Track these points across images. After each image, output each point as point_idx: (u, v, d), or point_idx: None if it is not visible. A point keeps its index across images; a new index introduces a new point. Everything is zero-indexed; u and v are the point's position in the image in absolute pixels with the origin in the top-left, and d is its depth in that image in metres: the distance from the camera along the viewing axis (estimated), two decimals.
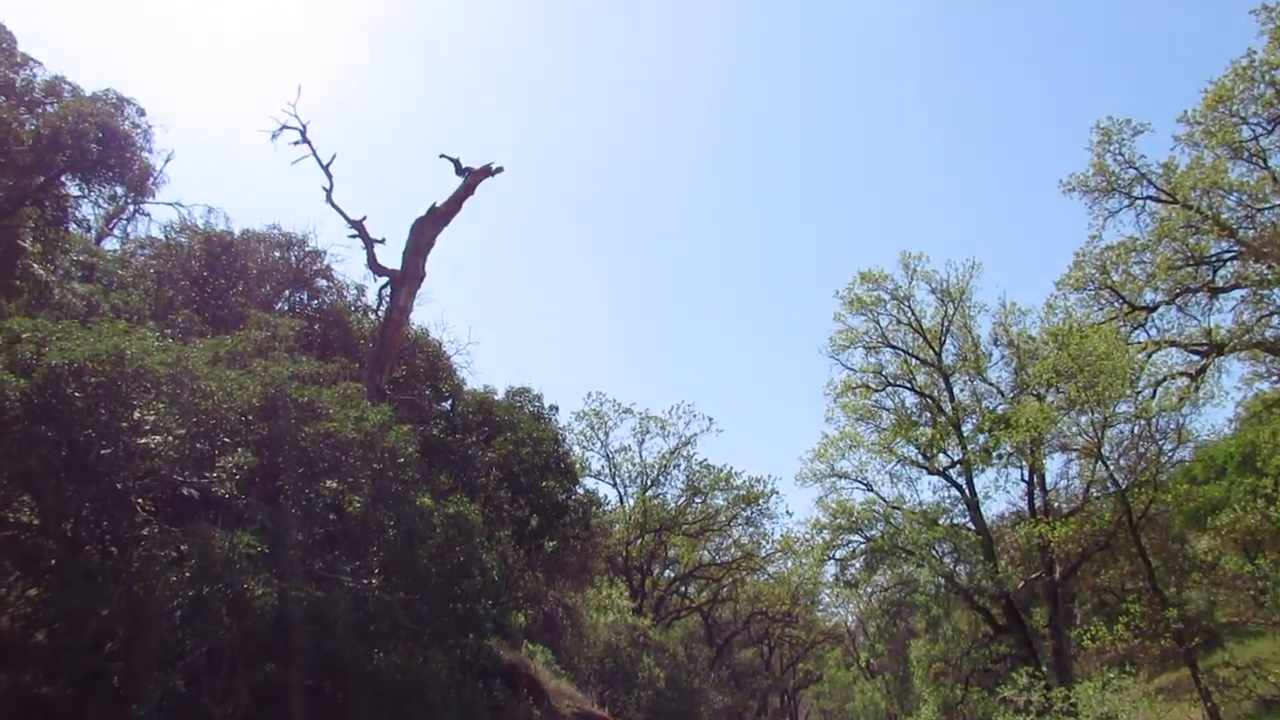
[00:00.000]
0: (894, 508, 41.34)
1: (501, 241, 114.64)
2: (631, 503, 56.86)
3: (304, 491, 19.49)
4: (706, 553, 60.11)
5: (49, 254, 25.85)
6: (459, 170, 30.86)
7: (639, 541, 54.77)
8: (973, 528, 40.64)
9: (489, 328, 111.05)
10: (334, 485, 19.61)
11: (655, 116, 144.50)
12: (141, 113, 26.16)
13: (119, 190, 28.00)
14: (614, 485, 57.95)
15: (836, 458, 42.52)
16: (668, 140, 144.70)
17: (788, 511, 59.47)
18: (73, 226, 28.22)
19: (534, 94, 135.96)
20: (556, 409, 35.66)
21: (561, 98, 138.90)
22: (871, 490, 42.11)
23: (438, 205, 30.20)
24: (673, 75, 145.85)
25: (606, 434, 57.53)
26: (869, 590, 47.13)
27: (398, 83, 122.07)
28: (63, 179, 25.20)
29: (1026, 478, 40.14)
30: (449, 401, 32.64)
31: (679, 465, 57.21)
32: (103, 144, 24.38)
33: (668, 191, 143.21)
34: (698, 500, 57.45)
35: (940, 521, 40.51)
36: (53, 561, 16.40)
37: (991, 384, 41.63)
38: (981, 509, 40.66)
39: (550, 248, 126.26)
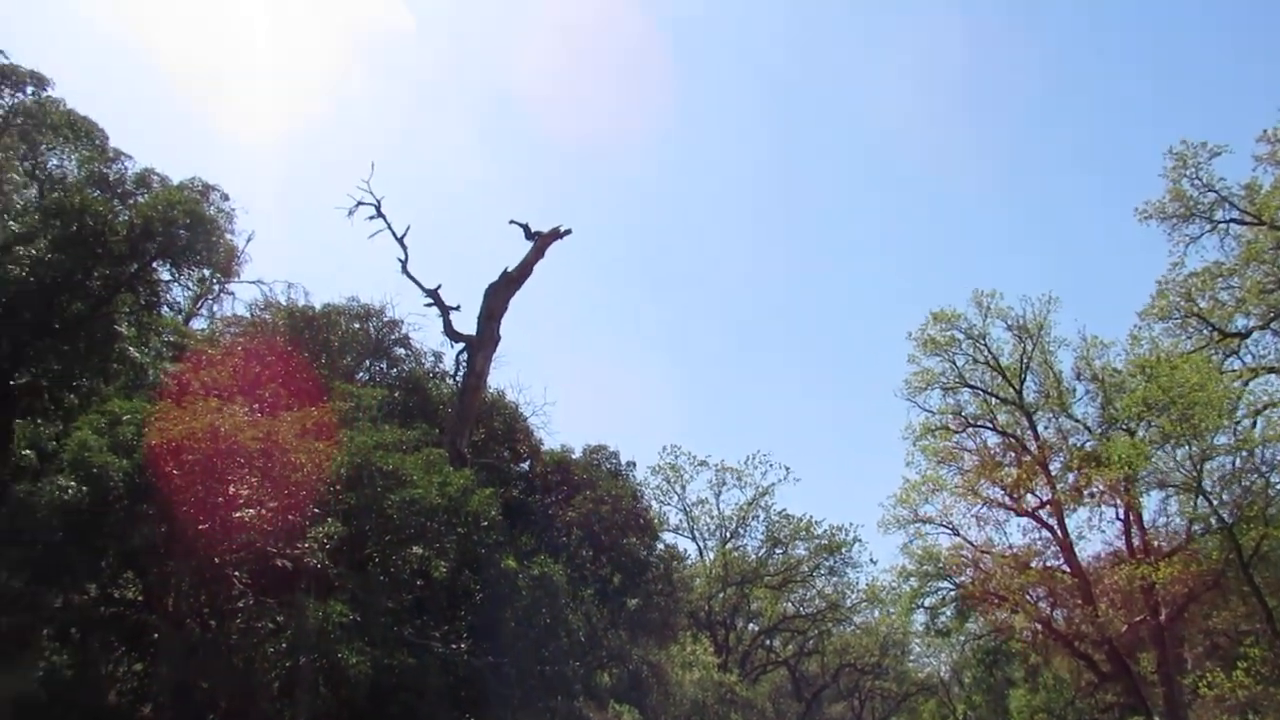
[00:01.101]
0: (983, 552, 40.14)
1: (572, 300, 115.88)
2: (711, 556, 56.29)
3: (391, 558, 19.85)
4: (790, 605, 59.04)
5: (143, 337, 26.93)
6: (528, 235, 31.53)
7: (721, 595, 54.09)
8: (1068, 570, 39.19)
9: (564, 386, 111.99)
10: (420, 551, 19.92)
11: (715, 166, 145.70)
12: (225, 197, 27.36)
13: (206, 272, 29.20)
14: (693, 539, 57.47)
15: (919, 502, 41.56)
16: (729, 188, 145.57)
17: (872, 560, 57.72)
18: (164, 309, 29.46)
19: (595, 153, 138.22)
20: (633, 465, 35.71)
21: (621, 154, 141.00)
22: (958, 535, 40.94)
23: (509, 270, 30.85)
24: (730, 125, 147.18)
25: (683, 487, 57.19)
26: (962, 639, 45.69)
27: (459, 148, 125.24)
28: (155, 265, 26.34)
29: (1122, 516, 38.62)
30: (527, 462, 32.92)
31: (758, 516, 56.52)
32: (191, 230, 25.42)
33: (730, 241, 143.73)
34: (778, 551, 56.60)
35: (1033, 565, 39.19)
36: (156, 636, 16.92)
37: (1077, 420, 40.41)
38: (1076, 550, 39.20)
39: (619, 304, 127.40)
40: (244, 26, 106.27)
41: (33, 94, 24.96)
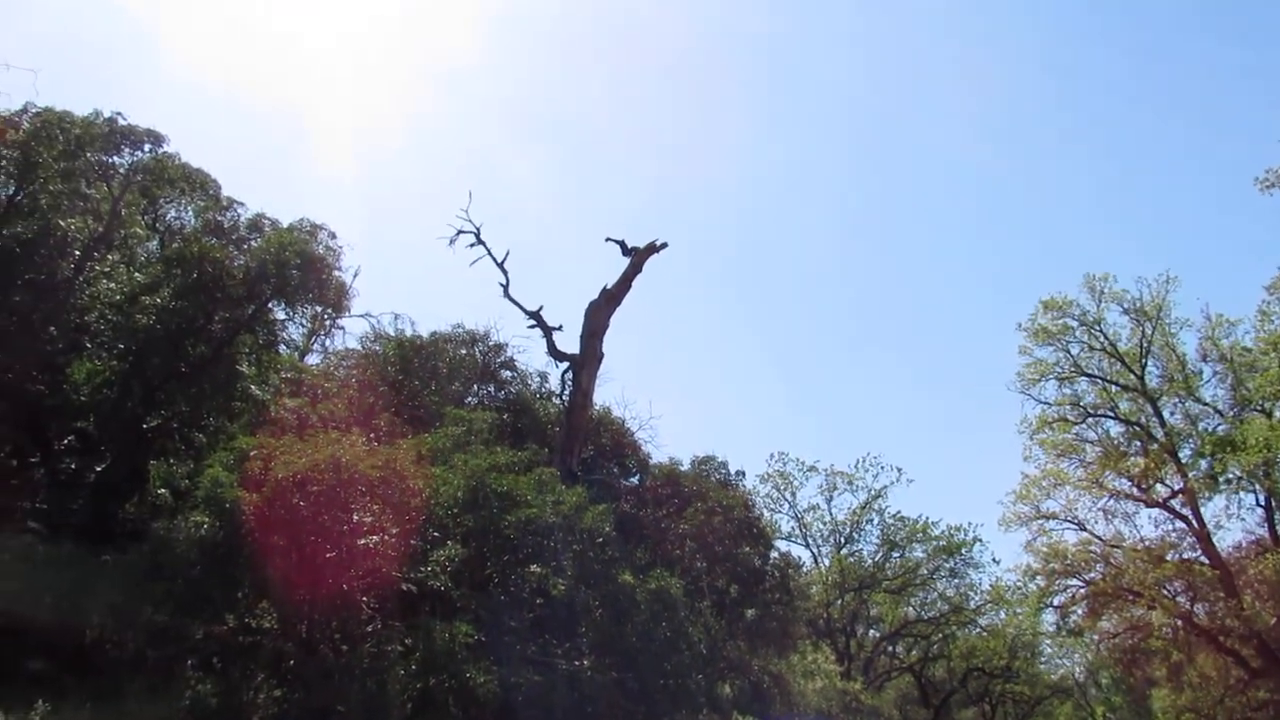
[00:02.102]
0: (1113, 546, 38.48)
1: (672, 313, 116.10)
2: (827, 563, 55.36)
3: (510, 578, 20.13)
4: (911, 609, 57.60)
5: (263, 375, 28.13)
6: (625, 251, 31.82)
7: (839, 602, 53.14)
8: (1207, 562, 37.25)
9: (669, 399, 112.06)
10: (538, 570, 20.14)
11: (805, 166, 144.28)
12: (333, 236, 28.51)
13: (318, 309, 30.35)
14: (806, 546, 56.61)
15: (1041, 498, 40.11)
16: (822, 188, 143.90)
17: (994, 559, 55.82)
18: (281, 347, 30.71)
19: (684, 164, 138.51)
20: (743, 474, 35.49)
21: (710, 163, 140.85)
22: (1085, 530, 39.34)
23: (609, 287, 31.17)
24: (819, 122, 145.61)
25: (793, 494, 56.45)
26: (1096, 638, 43.82)
27: (552, 170, 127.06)
28: (270, 305, 27.51)
29: (1263, 502, 36.58)
30: (637, 476, 33.08)
31: (871, 520, 55.36)
32: (302, 269, 26.54)
33: (826, 241, 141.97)
34: (895, 555, 55.29)
35: (1168, 558, 37.37)
36: (292, 663, 17.51)
37: (1206, 404, 38.41)
38: (1214, 540, 37.24)
39: (719, 313, 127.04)
40: (322, 68, 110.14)
41: (150, 151, 26.39)
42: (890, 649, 60.22)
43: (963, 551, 53.44)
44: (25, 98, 26.61)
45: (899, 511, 55.04)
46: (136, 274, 26.92)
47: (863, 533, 55.45)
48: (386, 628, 17.28)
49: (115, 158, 26.24)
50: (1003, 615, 54.72)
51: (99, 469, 26.27)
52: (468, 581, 19.25)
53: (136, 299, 26.07)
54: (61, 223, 24.86)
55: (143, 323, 25.58)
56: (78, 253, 25.27)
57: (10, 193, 24.72)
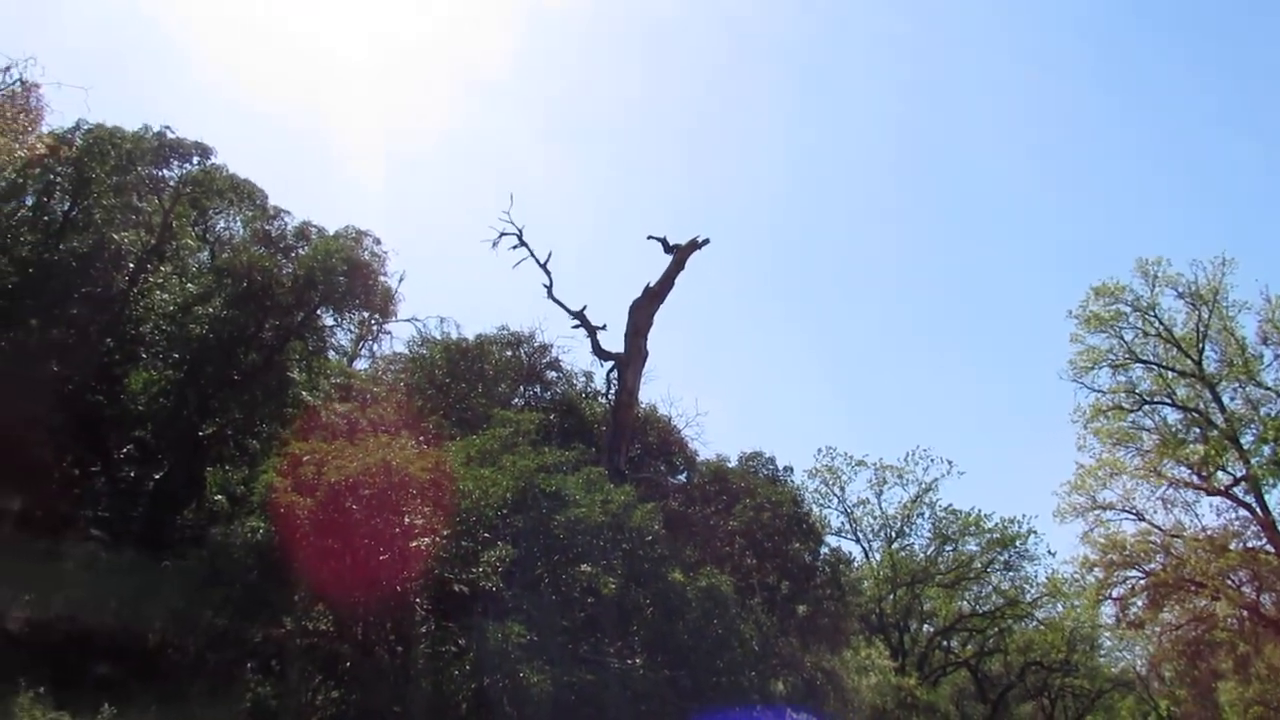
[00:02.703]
0: (1173, 536, 37.62)
1: (716, 309, 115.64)
2: (878, 557, 54.77)
3: (560, 578, 20.18)
4: (965, 603, 56.80)
5: (313, 381, 28.55)
6: (667, 248, 31.79)
7: (891, 597, 52.56)
8: (1272, 550, 36.30)
9: (715, 396, 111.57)
10: (588, 569, 20.18)
11: (850, 157, 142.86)
12: (378, 241, 28.87)
13: (365, 315, 30.73)
14: (856, 541, 56.05)
15: (1097, 488, 39.33)
16: (866, 177, 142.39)
17: (1050, 551, 54.63)
18: (330, 353, 31.16)
19: (725, 158, 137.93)
20: (790, 470, 35.31)
21: (751, 155, 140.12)
22: (1143, 520, 38.50)
23: (651, 285, 31.16)
24: (860, 110, 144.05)
25: (842, 489, 55.87)
26: (1157, 630, 42.88)
27: (590, 170, 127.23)
28: (319, 312, 27.92)
29: None
30: (684, 474, 33.06)
31: (922, 513, 54.64)
32: (349, 276, 26.93)
33: (868, 231, 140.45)
34: (948, 548, 54.55)
35: (1232, 547, 36.47)
36: (349, 664, 17.75)
37: (1269, 388, 37.33)
38: None
39: (762, 308, 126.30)
40: (354, 75, 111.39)
41: (198, 163, 26.88)
42: (945, 644, 59.47)
43: (1017, 544, 52.59)
44: (77, 115, 27.20)
45: (950, 504, 54.26)
46: (189, 284, 27.48)
47: (914, 526, 54.79)
48: (440, 628, 17.45)
49: (165, 171, 26.80)
50: (1060, 608, 53.79)
51: (157, 477, 26.86)
52: (519, 581, 19.33)
53: (189, 309, 26.62)
54: (115, 236, 25.44)
55: (196, 332, 26.12)
56: (132, 265, 25.83)
57: (66, 208, 25.34)
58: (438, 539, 17.88)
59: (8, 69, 23.12)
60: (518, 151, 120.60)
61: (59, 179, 25.07)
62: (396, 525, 17.52)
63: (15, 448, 23.34)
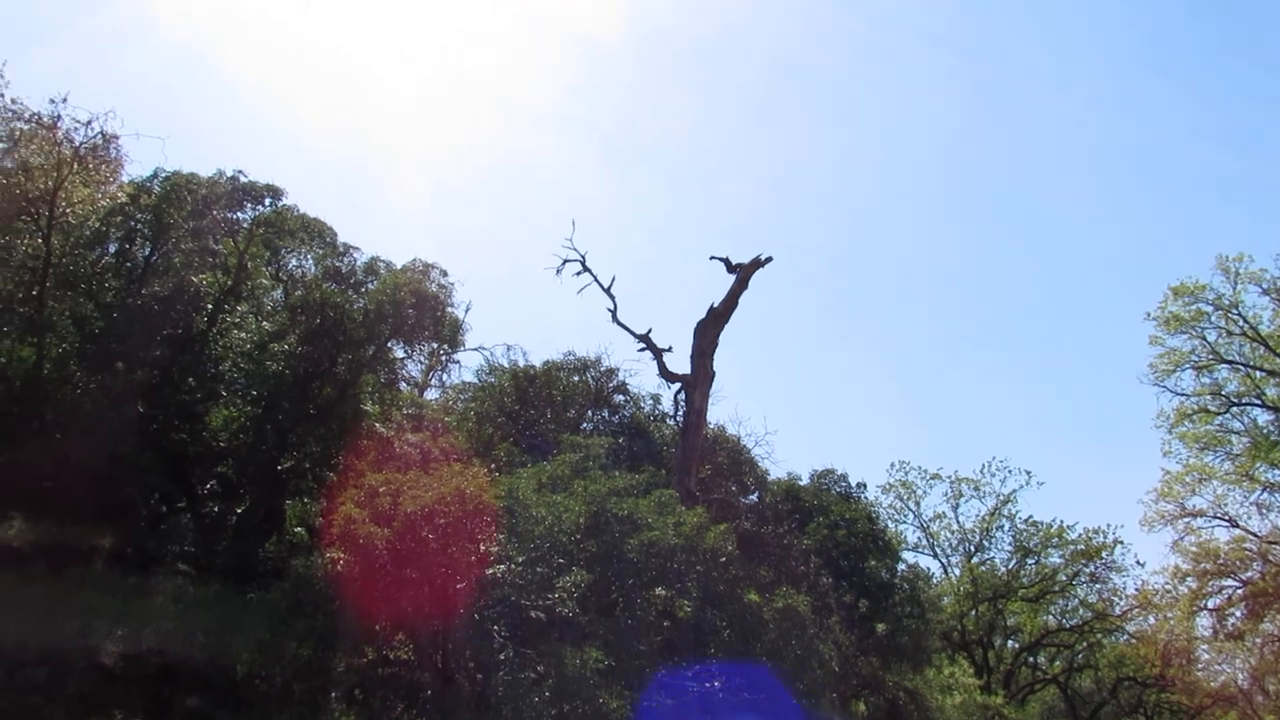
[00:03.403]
0: (1270, 543, 36.14)
1: (781, 326, 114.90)
2: (957, 573, 53.66)
3: (636, 601, 20.12)
4: (1051, 617, 55.24)
5: (386, 412, 29.10)
6: (730, 268, 31.73)
7: (973, 613, 51.39)
8: None
9: (783, 413, 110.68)
10: (663, 592, 20.12)
11: (906, 167, 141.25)
12: (444, 273, 29.41)
13: (434, 345, 31.25)
14: (934, 556, 55.01)
15: (1185, 495, 38.00)
16: (927, 183, 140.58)
17: (1138, 561, 53.11)
18: (401, 384, 31.73)
19: (784, 172, 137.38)
20: (864, 486, 34.88)
21: (815, 170, 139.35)
22: (1237, 526, 37.05)
23: (715, 306, 31.10)
24: (920, 111, 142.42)
25: (917, 504, 54.94)
26: (1258, 641, 41.21)
27: (645, 191, 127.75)
28: (389, 344, 28.47)
29: None
30: (756, 494, 32.87)
31: (1002, 526, 53.43)
32: (417, 308, 27.47)
33: (935, 239, 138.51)
34: (1030, 561, 53.19)
35: None
36: (429, 692, 17.91)
37: None
38: None
39: (828, 323, 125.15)
40: (407, 104, 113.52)
41: (270, 204, 27.67)
42: (1031, 660, 57.88)
43: (1103, 555, 51.06)
44: (155, 163, 28.22)
45: (1030, 516, 52.96)
46: (264, 323, 28.27)
47: (993, 540, 53.58)
48: (519, 655, 17.49)
49: (239, 213, 27.66)
50: (1152, 620, 51.93)
51: (239, 511, 27.54)
52: (594, 606, 19.36)
53: (266, 346, 27.38)
54: (194, 279, 26.30)
55: (273, 369, 26.84)
56: (210, 306, 26.63)
57: (146, 254, 26.28)
58: (513, 566, 18.01)
59: (89, 123, 24.04)
60: (574, 178, 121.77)
61: (139, 226, 26.03)
62: (472, 553, 17.67)
63: (106, 487, 24.21)
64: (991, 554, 53.70)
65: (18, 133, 23.79)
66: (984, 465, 54.06)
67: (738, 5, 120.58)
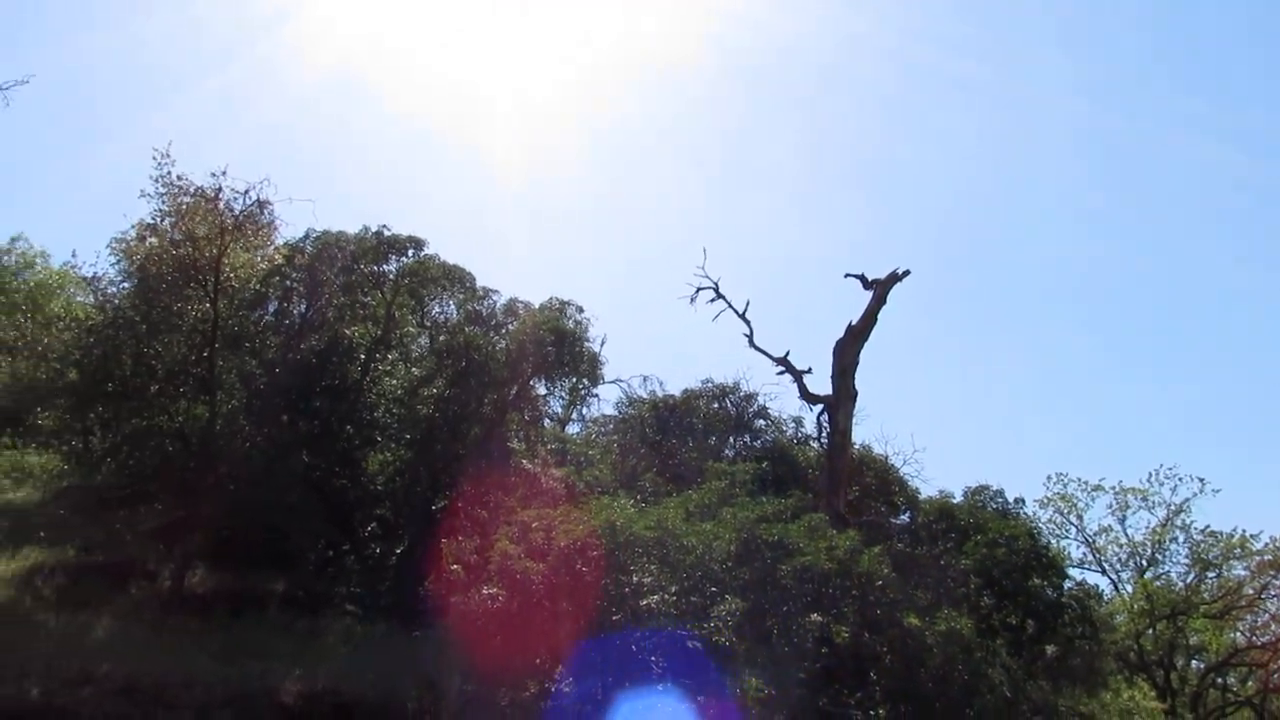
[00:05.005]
0: None
1: (922, 339, 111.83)
2: (1129, 589, 50.59)
3: (791, 628, 19.81)
4: (1240, 634, 51.45)
5: (531, 449, 29.78)
6: (866, 284, 31.18)
7: (1150, 632, 48.30)
8: None
9: (930, 430, 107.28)
10: (818, 618, 19.74)
11: (1047, 168, 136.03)
12: (580, 310, 30.01)
13: (573, 381, 31.84)
14: (1102, 572, 51.95)
15: None
16: (1063, 189, 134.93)
17: None
18: (545, 421, 32.44)
19: (908, 186, 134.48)
20: (1021, 501, 33.37)
21: (949, 176, 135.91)
22: None
23: (854, 323, 30.58)
24: (1061, 122, 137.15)
25: (1080, 517, 52.01)
26: None
27: (773, 214, 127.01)
28: (532, 383, 29.19)
29: None
30: (907, 514, 31.94)
31: (1175, 538, 50.12)
32: (557, 345, 28.11)
33: (1073, 246, 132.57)
34: (1211, 575, 49.62)
35: None
36: None
37: None
38: None
39: (970, 334, 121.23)
40: (522, 134, 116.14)
41: (412, 255, 28.82)
42: (1220, 680, 53.97)
43: None
44: (306, 224, 29.88)
45: (1208, 526, 49.46)
46: (413, 369, 29.45)
47: (1167, 553, 50.26)
48: (678, 686, 17.43)
49: (384, 266, 28.88)
50: None
51: (398, 552, 28.56)
52: (750, 634, 19.15)
53: (415, 392, 28.49)
54: (346, 331, 27.66)
55: (423, 413, 27.92)
56: (362, 356, 27.91)
57: (303, 310, 27.84)
58: (666, 596, 18.01)
59: (246, 192, 25.69)
60: (696, 204, 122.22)
61: (295, 284, 27.60)
62: (626, 585, 17.79)
63: (276, 534, 25.58)
64: (1166, 568, 50.39)
65: (183, 206, 25.58)
66: (1151, 474, 50.85)
67: (856, 16, 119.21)
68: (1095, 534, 52.04)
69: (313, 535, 27.07)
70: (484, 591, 19.30)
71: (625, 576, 17.85)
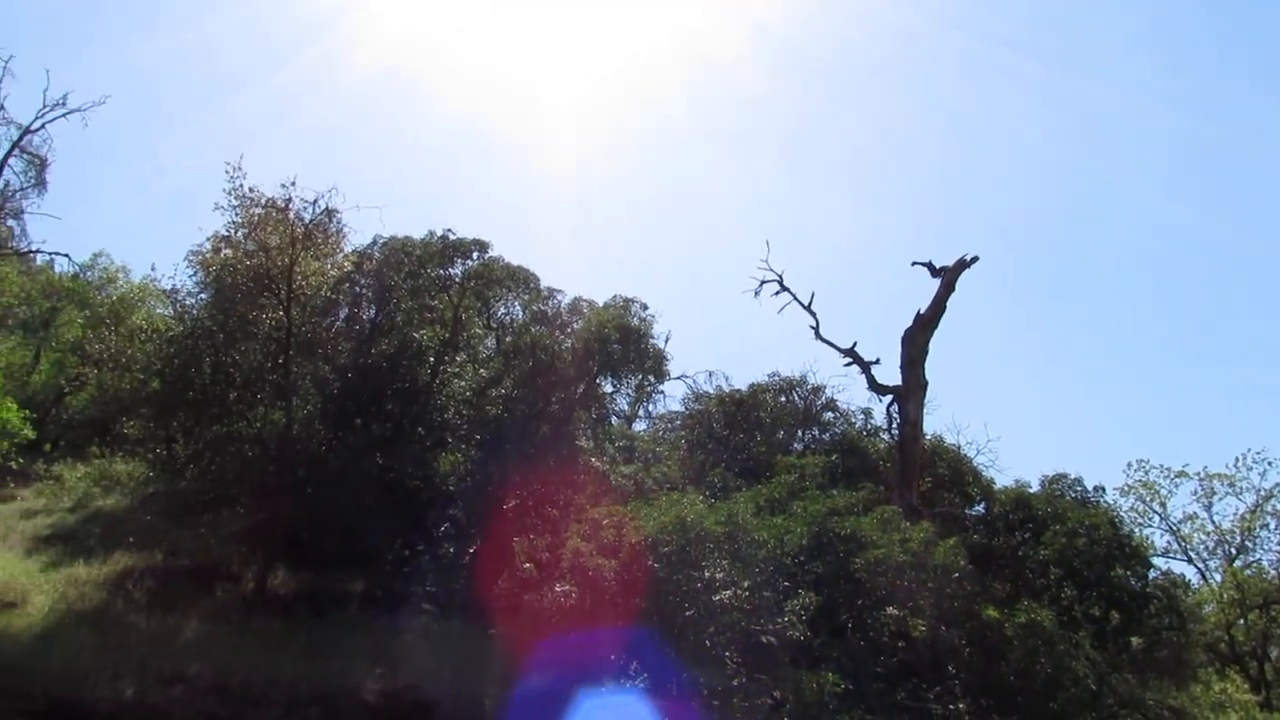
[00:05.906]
0: None
1: (994, 325, 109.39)
2: (1218, 578, 48.91)
3: (866, 622, 19.60)
4: None
5: (599, 447, 29.88)
6: (934, 272, 30.59)
7: (1242, 622, 46.68)
8: None
9: (1005, 418, 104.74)
10: (894, 611, 19.49)
11: (1115, 152, 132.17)
12: (644, 307, 30.04)
13: (639, 378, 31.85)
14: (1188, 561, 50.20)
15: None
16: (1130, 176, 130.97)
17: None
18: (612, 419, 32.53)
19: (975, 172, 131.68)
20: (1101, 490, 32.41)
21: (1019, 159, 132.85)
22: None
23: (922, 312, 30.01)
24: (1127, 104, 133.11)
25: (1163, 505, 50.40)
26: None
27: (837, 204, 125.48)
28: (598, 381, 29.29)
29: None
30: (982, 505, 31.26)
31: (1266, 524, 48.33)
32: (622, 343, 28.16)
33: (1146, 229, 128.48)
34: None
35: None
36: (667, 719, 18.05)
37: None
38: None
39: (1043, 318, 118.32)
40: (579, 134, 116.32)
41: (477, 258, 29.13)
42: None
43: None
44: (373, 230, 30.37)
45: None
46: (481, 370, 29.75)
47: (1258, 540, 48.39)
48: (753, 681, 17.36)
49: (450, 269, 29.23)
50: None
51: (471, 550, 28.91)
52: (825, 629, 18.99)
53: (484, 392, 28.78)
54: (415, 335, 28.06)
55: (492, 413, 28.18)
56: (431, 359, 28.29)
57: (372, 315, 28.33)
58: (739, 591, 17.93)
59: (315, 201, 26.19)
60: (756, 198, 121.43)
61: (364, 290, 28.09)
62: (698, 580, 17.76)
63: (355, 536, 26.08)
64: (1257, 555, 48.44)
65: (256, 217, 26.19)
66: (1238, 458, 48.90)
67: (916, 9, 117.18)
68: (1180, 522, 50.27)
69: (388, 535, 27.52)
70: (556, 589, 19.47)
71: (696, 572, 17.81)
